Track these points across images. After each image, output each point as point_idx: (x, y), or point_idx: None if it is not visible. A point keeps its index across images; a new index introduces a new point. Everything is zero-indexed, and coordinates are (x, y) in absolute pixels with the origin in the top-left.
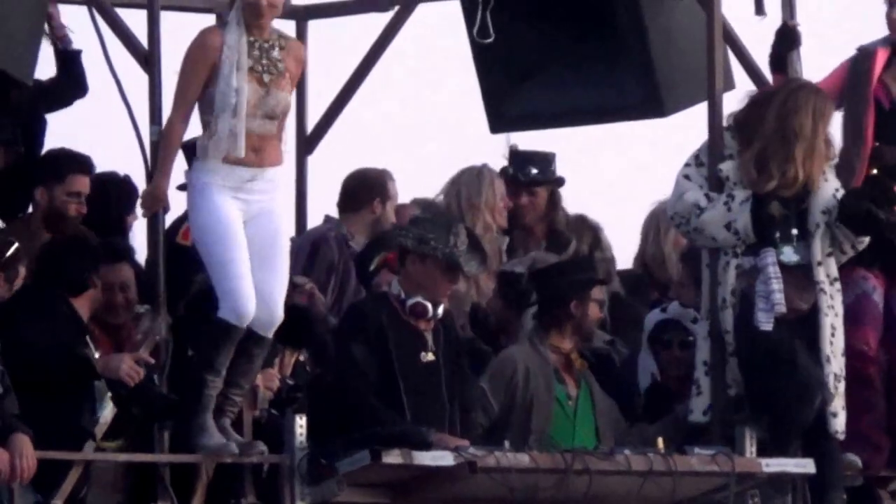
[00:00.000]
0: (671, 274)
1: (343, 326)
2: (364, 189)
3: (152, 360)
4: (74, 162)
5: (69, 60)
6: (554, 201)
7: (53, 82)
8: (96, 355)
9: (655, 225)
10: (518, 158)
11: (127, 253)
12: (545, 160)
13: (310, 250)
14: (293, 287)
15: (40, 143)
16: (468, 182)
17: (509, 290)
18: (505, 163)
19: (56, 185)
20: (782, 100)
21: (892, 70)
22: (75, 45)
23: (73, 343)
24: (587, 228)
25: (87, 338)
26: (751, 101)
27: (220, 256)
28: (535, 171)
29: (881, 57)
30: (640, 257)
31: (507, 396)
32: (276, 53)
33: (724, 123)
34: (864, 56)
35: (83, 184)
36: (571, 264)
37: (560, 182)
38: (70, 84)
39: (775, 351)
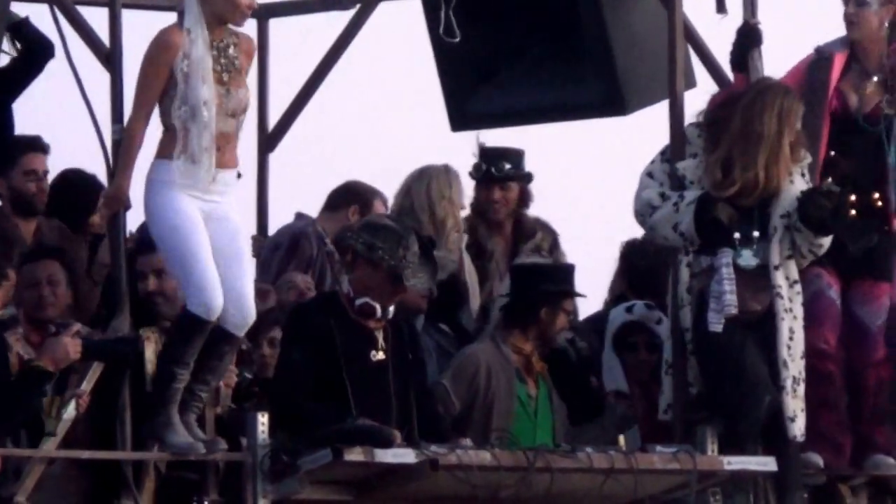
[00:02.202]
0: None
1: (286, 329)
2: (348, 193)
3: (77, 324)
4: (23, 143)
5: (23, 31)
6: (524, 198)
7: (19, 58)
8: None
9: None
10: (491, 154)
11: (56, 251)
12: (517, 155)
13: (289, 244)
14: (288, 283)
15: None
16: (437, 175)
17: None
18: (475, 160)
19: (11, 170)
20: (749, 100)
21: (849, 78)
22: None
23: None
24: (548, 231)
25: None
26: (720, 101)
27: (186, 252)
28: (508, 165)
29: (838, 63)
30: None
31: (469, 395)
32: (231, 51)
33: (693, 120)
34: (821, 62)
35: (38, 162)
36: (551, 270)
37: (530, 178)
38: (37, 50)
39: (724, 350)
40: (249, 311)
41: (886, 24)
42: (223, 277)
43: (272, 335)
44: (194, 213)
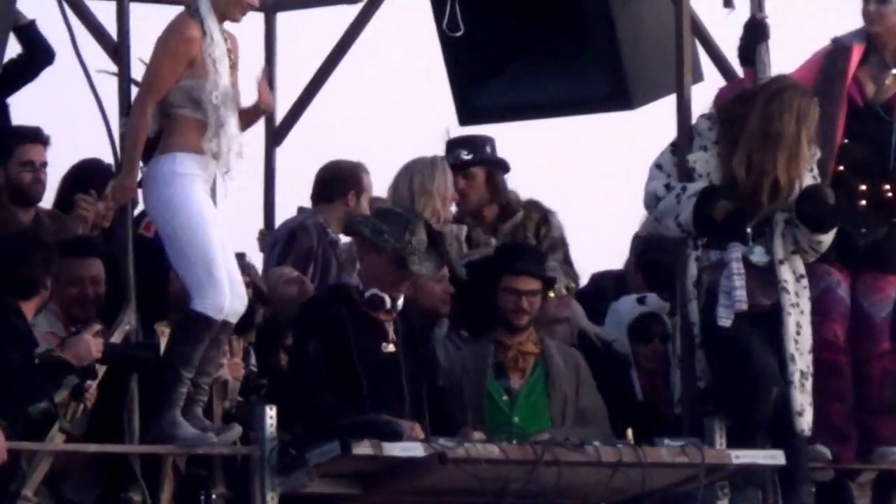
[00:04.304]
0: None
1: (298, 322)
2: (338, 181)
3: (98, 325)
4: (20, 133)
5: (27, 33)
6: (494, 183)
7: (18, 61)
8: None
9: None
10: (450, 145)
11: (98, 247)
12: (475, 143)
13: (286, 238)
14: (282, 277)
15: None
16: (421, 168)
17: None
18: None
19: (8, 161)
20: (767, 100)
21: (868, 67)
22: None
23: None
24: (536, 209)
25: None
26: (734, 96)
27: (202, 249)
28: (465, 153)
29: (856, 54)
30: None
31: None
32: (227, 45)
33: (703, 113)
34: (839, 53)
35: (34, 152)
36: (499, 251)
37: (498, 164)
38: (37, 55)
39: (730, 344)
40: (245, 297)
41: None
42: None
43: (288, 343)
44: (213, 209)
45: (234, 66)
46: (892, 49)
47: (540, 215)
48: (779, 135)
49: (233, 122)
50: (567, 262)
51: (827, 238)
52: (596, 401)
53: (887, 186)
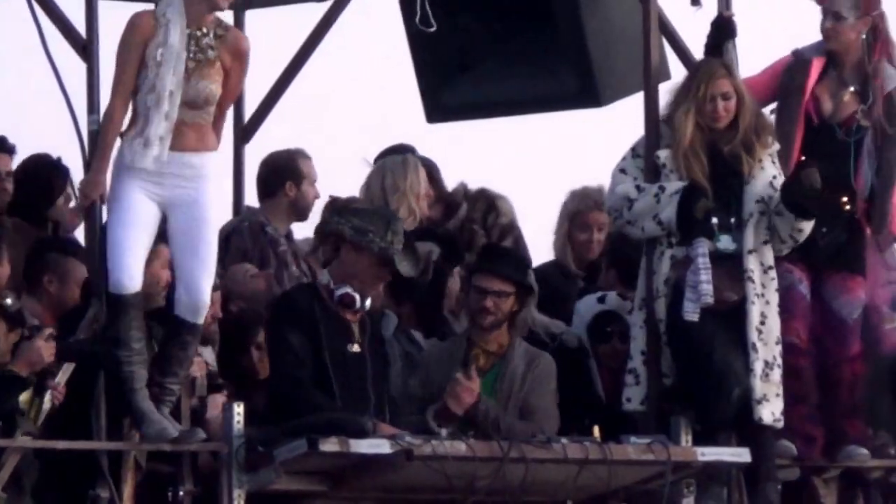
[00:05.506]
0: (568, 264)
1: (277, 314)
2: (274, 174)
3: (50, 328)
4: None
5: None
6: (433, 182)
7: None
8: None
9: (559, 216)
10: (379, 157)
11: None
12: (403, 149)
13: (223, 243)
14: (247, 273)
15: None
16: (392, 167)
17: (393, 286)
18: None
19: None
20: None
21: (826, 83)
22: None
23: None
24: (483, 197)
25: None
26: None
27: (113, 234)
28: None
29: (815, 68)
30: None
31: (422, 387)
32: (207, 40)
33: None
34: (798, 67)
35: (1, 162)
36: (479, 250)
37: (431, 165)
38: None
39: (694, 341)
40: (199, 296)
41: (864, 36)
42: (177, 263)
43: (259, 340)
44: (136, 198)
45: (207, 63)
46: (850, 66)
47: (486, 204)
48: (689, 91)
49: (163, 125)
50: (519, 247)
51: (808, 226)
52: (545, 404)
53: (845, 199)
